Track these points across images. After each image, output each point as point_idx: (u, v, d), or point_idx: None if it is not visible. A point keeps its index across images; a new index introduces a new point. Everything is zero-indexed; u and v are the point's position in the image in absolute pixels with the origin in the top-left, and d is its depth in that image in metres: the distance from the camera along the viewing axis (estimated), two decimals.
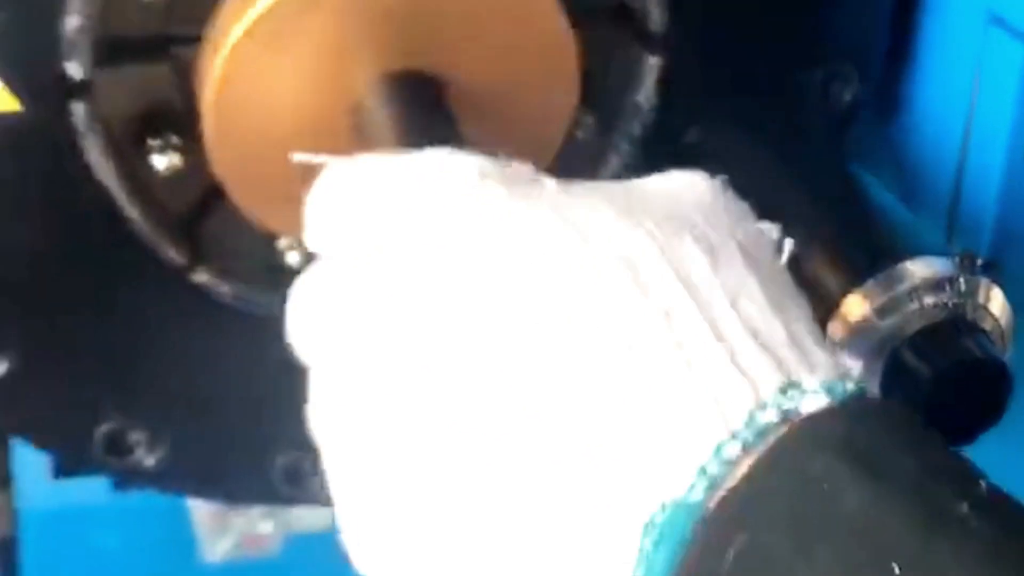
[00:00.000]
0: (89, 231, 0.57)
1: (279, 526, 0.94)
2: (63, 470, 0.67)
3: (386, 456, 0.38)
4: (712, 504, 0.33)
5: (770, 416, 0.34)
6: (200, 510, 0.92)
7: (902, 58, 0.65)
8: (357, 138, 0.53)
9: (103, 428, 0.60)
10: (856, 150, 0.65)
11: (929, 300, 0.48)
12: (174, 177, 0.57)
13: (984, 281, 0.50)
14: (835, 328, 0.48)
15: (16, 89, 0.52)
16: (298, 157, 0.47)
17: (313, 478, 0.62)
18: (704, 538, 0.33)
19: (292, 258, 0.58)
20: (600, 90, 0.59)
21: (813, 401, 0.34)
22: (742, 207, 0.41)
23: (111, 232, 0.57)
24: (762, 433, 0.34)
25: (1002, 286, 0.51)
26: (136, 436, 0.60)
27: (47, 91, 0.53)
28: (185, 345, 0.60)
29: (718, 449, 0.34)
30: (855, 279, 0.49)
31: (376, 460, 0.39)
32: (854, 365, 0.48)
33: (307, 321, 0.42)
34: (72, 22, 0.52)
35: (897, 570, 0.31)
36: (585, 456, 0.35)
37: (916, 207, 0.63)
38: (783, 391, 0.34)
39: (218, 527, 0.93)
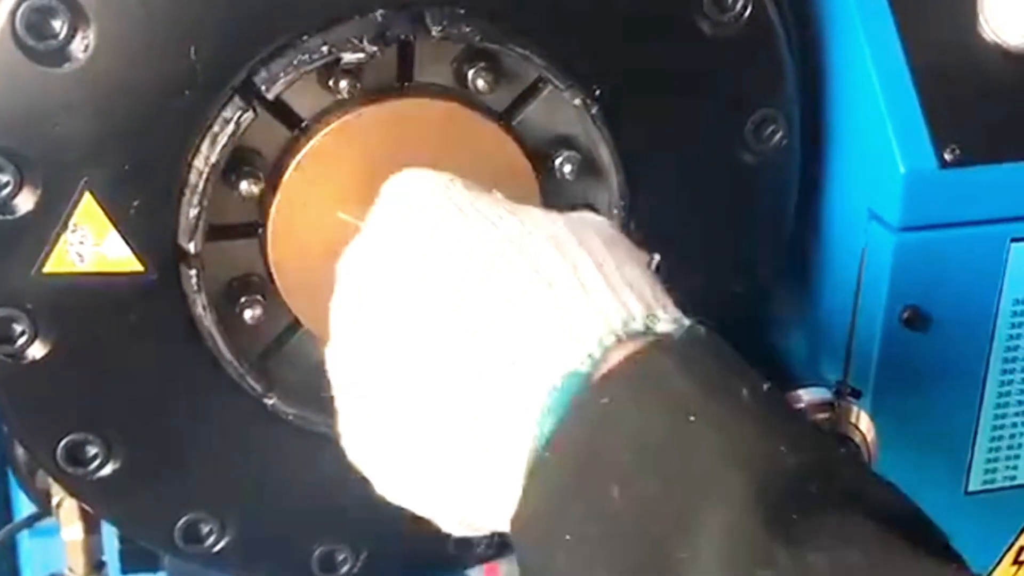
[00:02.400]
0: (192, 367, 0.68)
1: None
2: (128, 566, 0.79)
3: (376, 363, 0.54)
4: (593, 381, 0.47)
5: (638, 326, 0.49)
6: None
7: (807, 243, 0.77)
8: None
9: (182, 521, 0.71)
10: (773, 319, 0.77)
11: (812, 418, 0.62)
12: (257, 325, 0.68)
13: (855, 405, 0.63)
14: None
15: (142, 256, 0.64)
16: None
17: (343, 567, 0.74)
18: (583, 402, 0.47)
19: None
20: None
21: (666, 324, 0.49)
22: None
23: (209, 367, 0.68)
24: (633, 336, 0.48)
25: (870, 410, 0.64)
26: (208, 527, 0.71)
27: (167, 259, 0.65)
28: (256, 454, 0.70)
29: (600, 342, 0.48)
30: None
31: (369, 369, 0.54)
32: None
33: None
34: (191, 212, 0.63)
35: (691, 418, 0.44)
36: (508, 344, 0.49)
37: (819, 354, 0.74)
38: (647, 315, 0.49)
39: None
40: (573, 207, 0.69)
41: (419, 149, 0.65)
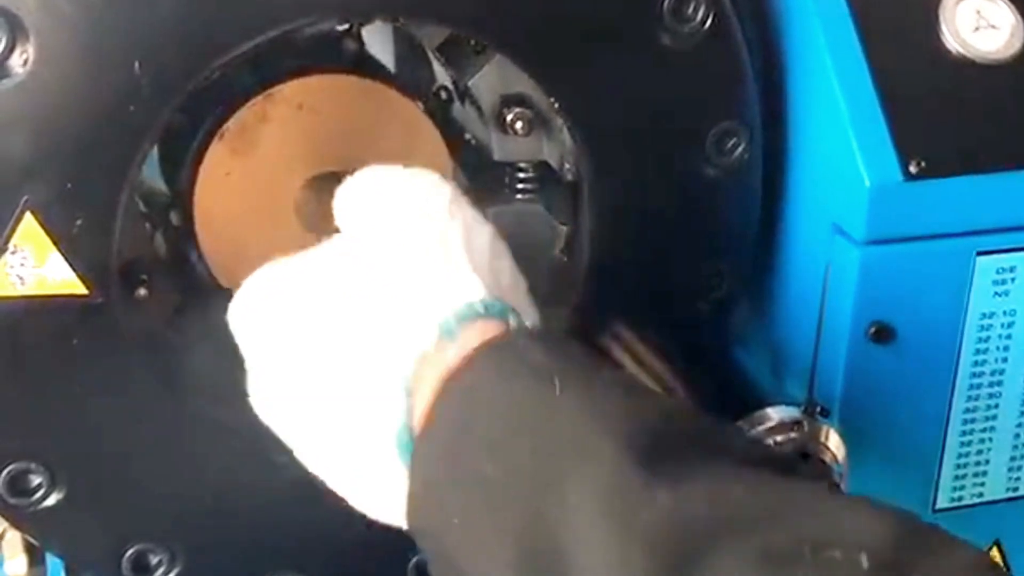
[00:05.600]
0: (138, 394, 0.66)
1: None
2: None
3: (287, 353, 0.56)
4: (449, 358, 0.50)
5: (500, 308, 0.52)
6: None
7: (770, 259, 0.76)
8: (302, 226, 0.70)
9: (130, 552, 0.69)
10: (737, 336, 0.77)
11: (780, 437, 0.61)
12: None
13: (824, 424, 0.63)
14: None
15: (86, 277, 0.63)
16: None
17: None
18: (449, 380, 0.49)
19: None
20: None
21: (530, 321, 0.53)
22: None
23: (157, 392, 0.67)
24: (492, 318, 0.51)
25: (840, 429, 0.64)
26: (157, 557, 0.69)
27: (112, 281, 0.64)
28: (206, 483, 0.69)
29: (456, 314, 0.51)
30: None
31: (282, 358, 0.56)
32: None
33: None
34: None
35: (558, 388, 0.46)
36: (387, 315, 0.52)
37: (784, 371, 0.74)
38: (512, 308, 0.53)
39: None
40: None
41: (334, 126, 0.69)
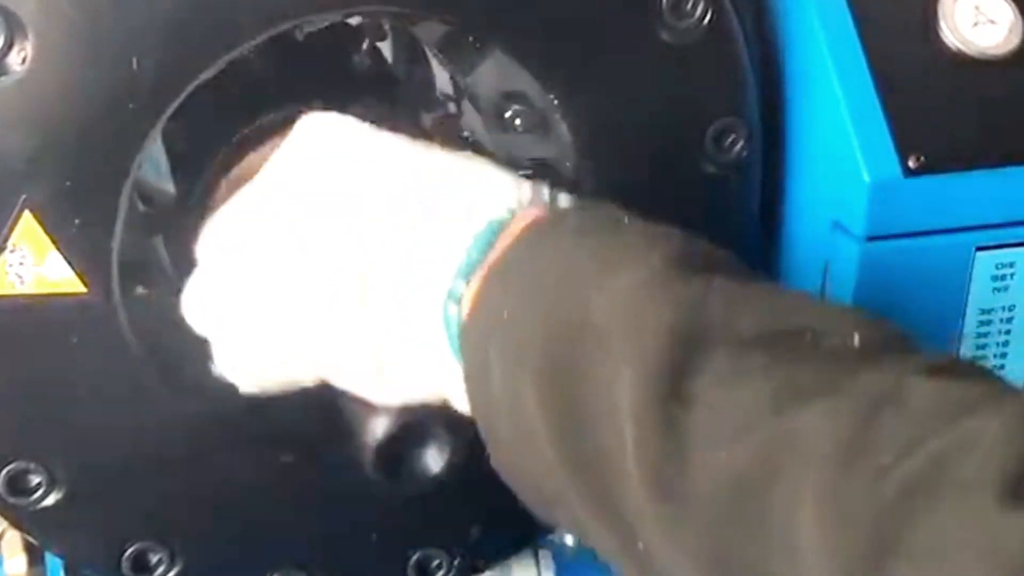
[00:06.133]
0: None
1: None
2: None
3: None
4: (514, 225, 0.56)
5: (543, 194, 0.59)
6: None
7: (770, 256, 0.76)
8: None
9: (130, 551, 0.69)
10: None
11: None
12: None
13: None
14: None
15: (85, 276, 0.63)
16: None
17: None
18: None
19: None
20: None
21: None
22: None
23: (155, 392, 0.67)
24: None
25: None
26: (157, 556, 0.69)
27: (111, 279, 0.64)
28: (206, 481, 0.69)
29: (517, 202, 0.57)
30: None
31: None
32: None
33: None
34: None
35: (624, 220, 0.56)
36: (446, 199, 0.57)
37: None
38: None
39: None
40: None
41: None
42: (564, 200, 0.58)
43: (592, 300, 0.51)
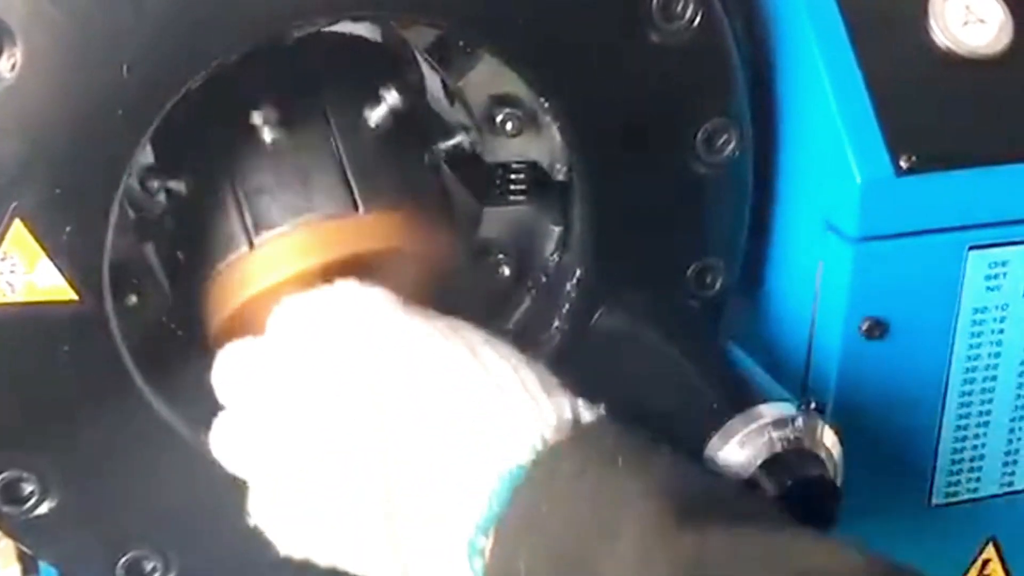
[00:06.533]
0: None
1: None
2: None
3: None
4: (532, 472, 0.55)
5: (566, 426, 0.56)
6: None
7: (762, 257, 0.76)
8: None
9: (124, 559, 0.69)
10: (731, 332, 0.76)
11: (776, 434, 0.61)
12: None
13: (819, 420, 0.63)
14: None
15: (76, 284, 0.62)
16: None
17: None
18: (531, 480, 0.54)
19: None
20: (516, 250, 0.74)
21: (588, 415, 0.57)
22: None
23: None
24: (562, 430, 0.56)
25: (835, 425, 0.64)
26: (151, 564, 0.69)
27: (102, 288, 0.63)
28: (199, 488, 0.68)
29: (541, 439, 0.55)
30: (722, 419, 0.62)
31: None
32: None
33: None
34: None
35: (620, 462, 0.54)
36: (464, 432, 0.56)
37: (777, 368, 0.72)
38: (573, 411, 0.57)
39: None
40: None
41: None
42: (586, 414, 0.57)
43: (600, 563, 0.52)
